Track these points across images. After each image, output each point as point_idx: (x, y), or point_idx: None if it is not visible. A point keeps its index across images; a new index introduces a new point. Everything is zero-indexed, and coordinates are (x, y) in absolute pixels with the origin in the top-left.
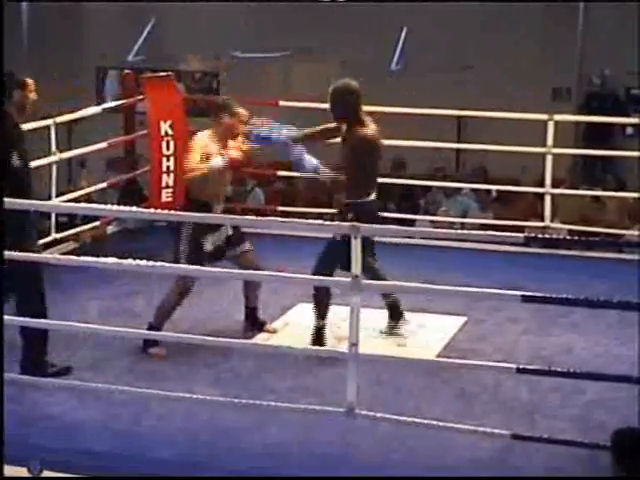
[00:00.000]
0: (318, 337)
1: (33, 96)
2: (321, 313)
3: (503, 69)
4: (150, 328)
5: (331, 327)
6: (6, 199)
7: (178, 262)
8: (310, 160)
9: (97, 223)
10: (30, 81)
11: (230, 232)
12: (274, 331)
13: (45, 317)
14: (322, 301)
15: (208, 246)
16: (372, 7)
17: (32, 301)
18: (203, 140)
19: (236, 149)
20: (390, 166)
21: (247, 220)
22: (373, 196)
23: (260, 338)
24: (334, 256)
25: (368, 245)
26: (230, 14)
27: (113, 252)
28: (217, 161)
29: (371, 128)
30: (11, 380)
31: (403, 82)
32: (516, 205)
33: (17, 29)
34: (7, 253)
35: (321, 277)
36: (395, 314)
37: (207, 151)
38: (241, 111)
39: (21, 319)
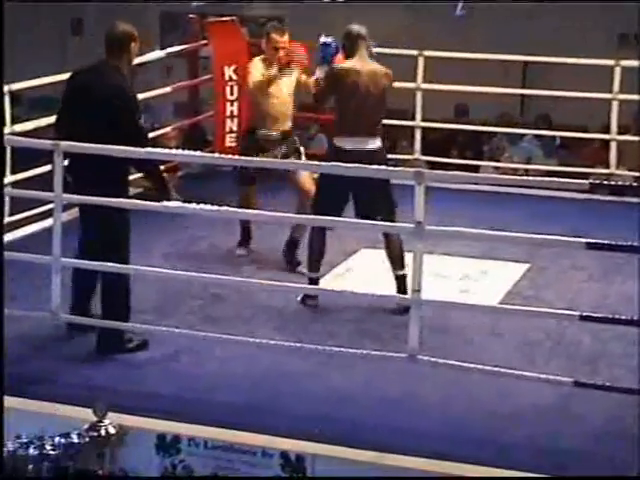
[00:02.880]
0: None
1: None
2: (314, 262)
3: (569, 15)
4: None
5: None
6: (70, 142)
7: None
8: None
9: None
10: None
11: (284, 151)
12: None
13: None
14: (317, 247)
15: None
16: None
17: (114, 250)
18: (258, 64)
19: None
20: (453, 112)
21: (310, 165)
22: (357, 142)
23: (323, 282)
24: (326, 195)
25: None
26: None
27: (178, 196)
28: (274, 69)
29: (349, 65)
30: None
31: (467, 27)
32: (581, 152)
33: None
34: (71, 196)
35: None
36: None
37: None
38: (275, 36)
39: (87, 262)
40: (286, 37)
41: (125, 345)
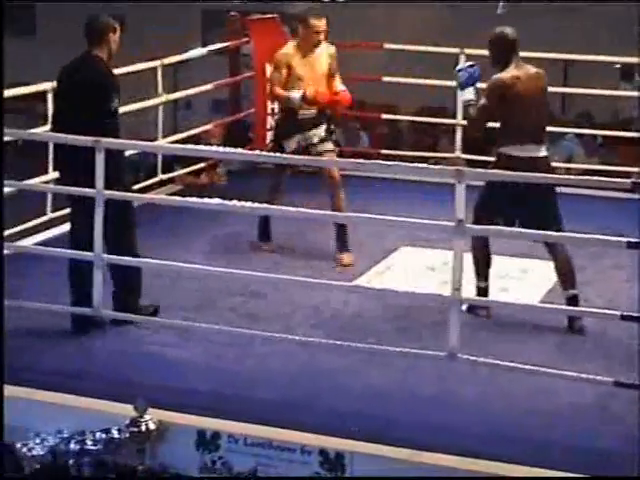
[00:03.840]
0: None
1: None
2: (481, 271)
3: (609, 13)
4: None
5: (434, 271)
6: (110, 139)
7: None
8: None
9: (203, 165)
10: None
11: (323, 134)
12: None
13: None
14: (480, 256)
15: (292, 144)
16: None
17: (124, 242)
18: (286, 55)
19: (328, 88)
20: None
21: (351, 163)
22: (526, 150)
23: (363, 280)
24: (490, 204)
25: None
26: None
27: (218, 193)
28: (296, 95)
29: (510, 73)
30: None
31: (508, 24)
32: (623, 151)
33: None
34: (113, 192)
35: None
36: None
37: (292, 66)
38: (315, 22)
39: (123, 258)
40: (324, 22)
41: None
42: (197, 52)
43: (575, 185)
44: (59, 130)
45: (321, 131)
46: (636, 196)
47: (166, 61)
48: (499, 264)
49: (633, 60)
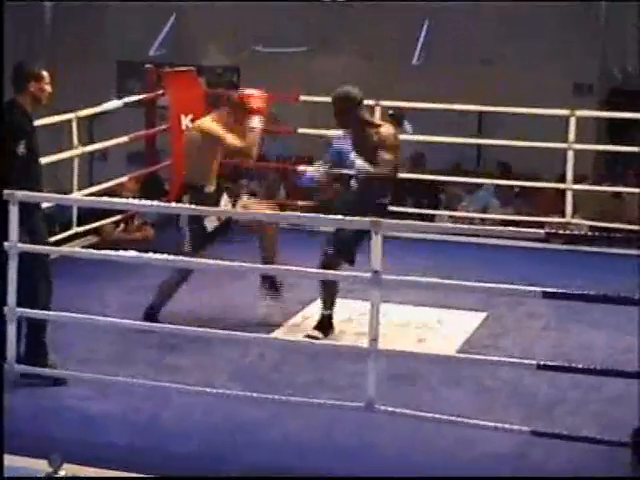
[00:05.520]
0: (323, 325)
1: (48, 88)
2: (328, 302)
3: (524, 64)
4: (150, 308)
5: (351, 322)
6: (27, 192)
7: (182, 246)
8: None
9: (118, 217)
10: (45, 73)
11: (227, 200)
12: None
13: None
14: (330, 289)
15: (210, 225)
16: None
17: (36, 295)
18: (213, 121)
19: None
20: (409, 160)
21: (271, 215)
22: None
23: (279, 332)
24: (340, 248)
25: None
26: (251, 8)
27: (133, 246)
28: (257, 121)
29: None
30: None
31: (424, 76)
32: (537, 201)
33: (40, 21)
34: (32, 246)
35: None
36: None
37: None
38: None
39: (41, 312)
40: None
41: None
42: (113, 104)
43: (490, 235)
44: None
45: (225, 199)
46: (550, 246)
47: (81, 113)
48: (416, 314)
49: (552, 112)
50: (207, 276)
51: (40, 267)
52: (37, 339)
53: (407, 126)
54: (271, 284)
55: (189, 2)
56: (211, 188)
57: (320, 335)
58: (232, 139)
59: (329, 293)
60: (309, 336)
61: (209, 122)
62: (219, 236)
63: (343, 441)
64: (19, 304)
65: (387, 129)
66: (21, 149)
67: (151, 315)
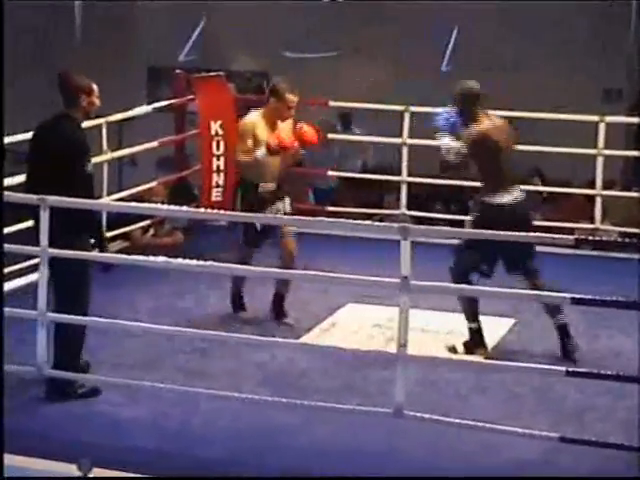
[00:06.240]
0: (473, 340)
1: (98, 102)
2: (470, 315)
3: (554, 69)
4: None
5: (380, 328)
6: (57, 197)
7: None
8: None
9: (148, 222)
10: (95, 86)
11: (288, 209)
12: (292, 324)
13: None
14: (469, 303)
15: (258, 225)
16: (422, 5)
17: (77, 303)
18: (252, 123)
19: (286, 133)
20: (438, 167)
21: (298, 220)
22: (507, 195)
23: (309, 337)
24: (465, 261)
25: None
26: (281, 13)
27: (163, 251)
28: (261, 152)
29: (485, 124)
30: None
31: (453, 82)
32: (566, 206)
33: (70, 28)
34: (59, 251)
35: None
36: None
37: (256, 134)
38: (289, 96)
39: (72, 317)
40: (297, 96)
41: (76, 391)
42: (142, 109)
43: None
44: (33, 189)
45: (286, 205)
46: (579, 252)
47: (111, 119)
48: (445, 320)
49: (582, 118)
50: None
51: (81, 274)
52: (71, 347)
53: (355, 129)
54: (280, 305)
55: (218, 6)
56: (267, 187)
57: (461, 350)
58: (243, 154)
59: (468, 305)
60: (453, 349)
61: (251, 124)
62: (271, 235)
63: (371, 447)
64: (58, 311)
65: (480, 124)
66: (89, 167)
67: (236, 301)
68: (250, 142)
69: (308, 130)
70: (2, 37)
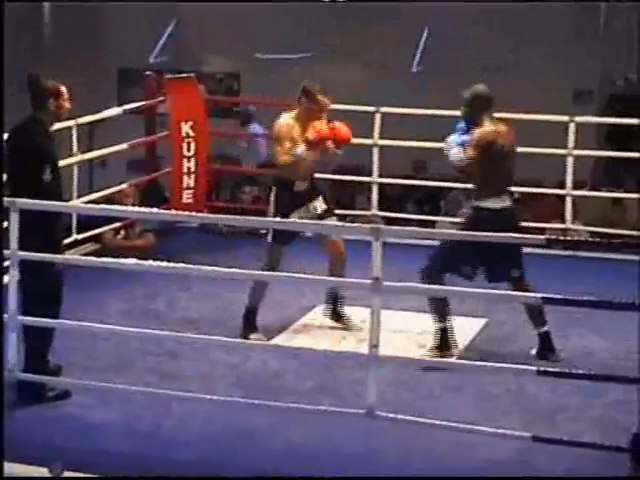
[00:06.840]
0: (441, 342)
1: (68, 105)
2: (439, 316)
3: (524, 70)
4: (247, 312)
5: (352, 329)
6: (28, 200)
7: (266, 238)
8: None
9: (119, 224)
10: (64, 89)
11: (324, 207)
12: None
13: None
14: (439, 305)
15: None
16: (393, 7)
17: (48, 305)
18: (288, 125)
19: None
20: (411, 167)
21: (268, 222)
22: (500, 201)
23: (281, 339)
24: (443, 261)
25: (512, 254)
26: (252, 15)
27: (134, 253)
28: (301, 149)
29: (491, 128)
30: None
31: (424, 83)
32: (537, 207)
33: (39, 29)
34: (32, 254)
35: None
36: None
37: (294, 137)
38: (321, 99)
39: (42, 320)
40: (329, 98)
41: (47, 394)
42: (113, 111)
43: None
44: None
45: (321, 202)
46: (550, 251)
47: (81, 121)
48: (417, 321)
49: (551, 118)
50: (207, 282)
51: (51, 276)
52: (39, 349)
53: (256, 126)
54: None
55: (189, 7)
56: (301, 186)
57: (435, 354)
58: (284, 154)
59: (437, 305)
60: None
61: (287, 127)
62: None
63: (344, 448)
64: (26, 313)
65: (484, 128)
66: (47, 175)
67: (250, 317)
68: (288, 144)
69: (341, 127)
70: (2, 37)
